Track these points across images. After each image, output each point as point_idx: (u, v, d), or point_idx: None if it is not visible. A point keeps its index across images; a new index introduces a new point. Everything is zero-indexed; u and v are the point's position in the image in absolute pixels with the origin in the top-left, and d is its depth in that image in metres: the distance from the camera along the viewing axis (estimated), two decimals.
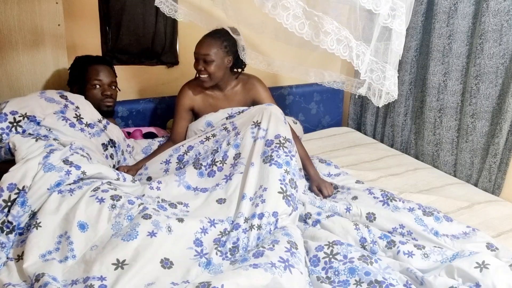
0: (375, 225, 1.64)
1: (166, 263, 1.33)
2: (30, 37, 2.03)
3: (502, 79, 2.07)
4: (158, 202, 1.60)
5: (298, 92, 2.80)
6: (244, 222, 1.55)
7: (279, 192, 1.63)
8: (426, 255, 1.47)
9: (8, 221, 1.42)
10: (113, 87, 2.05)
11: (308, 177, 1.99)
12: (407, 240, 1.56)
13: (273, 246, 1.39)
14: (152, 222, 1.40)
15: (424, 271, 1.42)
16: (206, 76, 1.95)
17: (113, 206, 1.45)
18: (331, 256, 1.43)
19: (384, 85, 1.37)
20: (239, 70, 2.08)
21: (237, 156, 1.78)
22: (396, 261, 1.45)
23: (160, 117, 2.43)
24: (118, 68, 2.35)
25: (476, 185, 2.22)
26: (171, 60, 2.47)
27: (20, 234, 1.45)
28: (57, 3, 2.04)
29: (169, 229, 1.40)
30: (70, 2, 2.12)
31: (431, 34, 2.34)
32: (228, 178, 1.73)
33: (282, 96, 2.73)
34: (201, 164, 1.79)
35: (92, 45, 2.25)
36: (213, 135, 1.89)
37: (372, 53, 1.35)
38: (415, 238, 1.58)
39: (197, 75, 1.99)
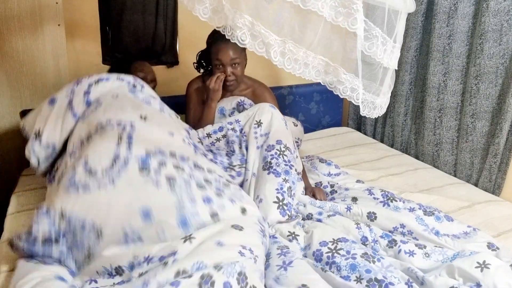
0: (376, 224, 1.65)
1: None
2: (30, 36, 2.03)
3: (502, 79, 2.07)
4: None
5: (298, 92, 2.80)
6: None
7: (274, 202, 1.65)
8: (427, 255, 1.47)
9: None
10: None
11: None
12: (408, 239, 1.57)
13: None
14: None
15: (425, 270, 1.42)
16: (234, 79, 1.94)
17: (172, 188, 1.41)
18: (334, 251, 1.44)
19: (337, 90, 1.35)
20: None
21: (246, 161, 1.83)
22: (397, 261, 1.45)
23: None
24: None
25: (476, 185, 2.22)
26: (171, 60, 2.47)
27: (64, 236, 1.35)
28: (57, 3, 2.04)
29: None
30: (70, 2, 2.12)
31: (431, 34, 2.34)
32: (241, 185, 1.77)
33: (282, 96, 2.73)
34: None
35: (93, 45, 2.25)
36: (224, 136, 1.89)
37: (327, 55, 1.31)
38: (416, 238, 1.58)
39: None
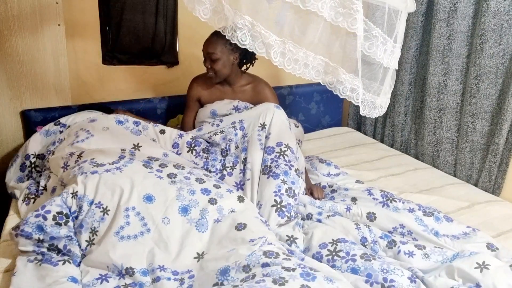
0: (375, 224, 1.65)
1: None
2: (30, 36, 2.03)
3: (502, 79, 2.07)
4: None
5: (298, 92, 2.80)
6: None
7: (272, 206, 1.66)
8: (426, 255, 1.47)
9: (59, 212, 1.42)
10: None
11: None
12: (407, 240, 1.57)
13: None
14: (217, 209, 1.54)
15: (424, 271, 1.42)
16: (212, 73, 1.97)
17: (173, 182, 1.56)
18: (334, 254, 1.43)
19: (337, 90, 1.36)
20: (248, 65, 2.08)
21: (245, 161, 1.82)
22: (396, 261, 1.46)
23: (160, 117, 2.43)
24: (118, 68, 2.35)
25: (476, 185, 2.22)
26: (171, 60, 2.46)
27: (76, 217, 1.45)
28: (57, 3, 2.04)
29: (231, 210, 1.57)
30: (70, 2, 2.12)
31: (431, 34, 2.34)
32: (239, 186, 1.78)
33: (282, 96, 2.72)
34: (210, 171, 1.84)
35: (93, 45, 2.25)
36: (221, 131, 1.92)
37: (326, 55, 1.32)
38: (415, 238, 1.58)
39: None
